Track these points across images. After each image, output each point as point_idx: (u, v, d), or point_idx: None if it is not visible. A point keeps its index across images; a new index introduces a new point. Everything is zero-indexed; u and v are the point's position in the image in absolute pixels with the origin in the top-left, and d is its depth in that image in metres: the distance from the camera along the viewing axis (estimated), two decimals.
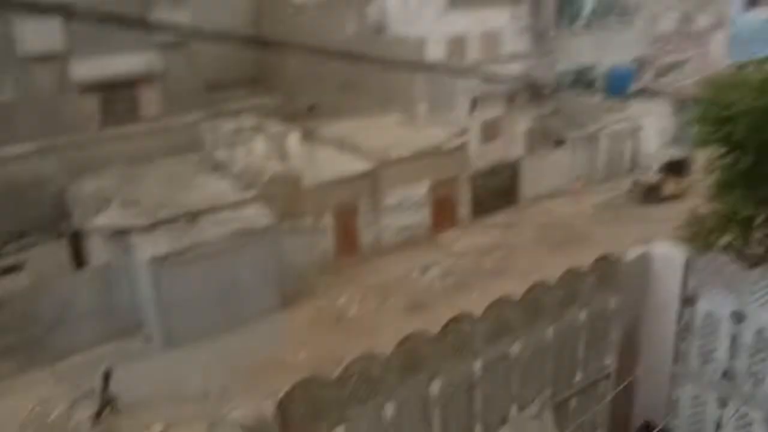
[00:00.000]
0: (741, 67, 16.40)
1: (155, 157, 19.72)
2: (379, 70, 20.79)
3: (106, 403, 13.51)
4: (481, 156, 23.29)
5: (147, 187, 18.02)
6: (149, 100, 21.13)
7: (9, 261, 16.72)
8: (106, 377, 13.50)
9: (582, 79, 27.64)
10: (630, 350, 9.48)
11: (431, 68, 23.51)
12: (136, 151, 19.65)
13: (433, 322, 6.73)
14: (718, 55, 33.29)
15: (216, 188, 18.10)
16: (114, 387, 13.57)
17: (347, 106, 23.42)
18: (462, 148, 22.38)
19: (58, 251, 17.70)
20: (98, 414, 13.37)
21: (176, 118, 20.78)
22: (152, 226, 15.79)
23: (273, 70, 26.36)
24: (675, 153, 24.67)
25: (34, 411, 13.63)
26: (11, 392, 14.18)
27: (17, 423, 13.28)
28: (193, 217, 16.41)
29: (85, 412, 13.49)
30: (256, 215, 17.24)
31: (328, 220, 19.57)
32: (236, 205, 17.22)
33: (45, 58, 18.29)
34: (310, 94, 24.94)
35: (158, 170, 19.19)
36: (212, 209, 16.88)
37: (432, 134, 22.19)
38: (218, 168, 19.09)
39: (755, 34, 33.36)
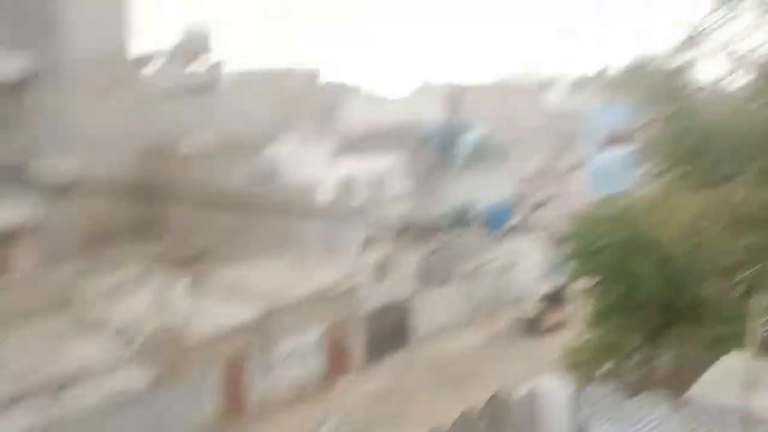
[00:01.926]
0: (602, 202, 18.11)
1: (25, 315, 18.25)
2: (271, 214, 21.01)
3: None
4: (373, 297, 23.55)
5: (10, 351, 16.47)
6: (24, 252, 19.98)
7: None
8: None
9: (463, 217, 29.32)
10: None
11: (321, 212, 24.12)
12: (4, 309, 18.14)
13: None
14: (582, 191, 36.67)
15: (90, 350, 16.84)
16: None
17: (239, 251, 23.20)
18: (353, 289, 22.56)
19: None
20: None
21: (53, 272, 19.61)
22: (12, 400, 14.26)
23: (163, 216, 25.89)
24: (553, 285, 26.16)
25: None
26: None
27: None
28: (62, 385, 15.05)
29: None
30: (133, 378, 16.08)
31: (214, 377, 18.51)
32: (111, 367, 16.04)
33: None
34: (201, 239, 24.56)
35: (26, 331, 17.70)
36: (84, 374, 15.58)
37: (323, 277, 22.27)
38: (95, 326, 17.91)
39: (611, 171, 37.25)
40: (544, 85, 45.28)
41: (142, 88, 28.22)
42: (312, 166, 25.03)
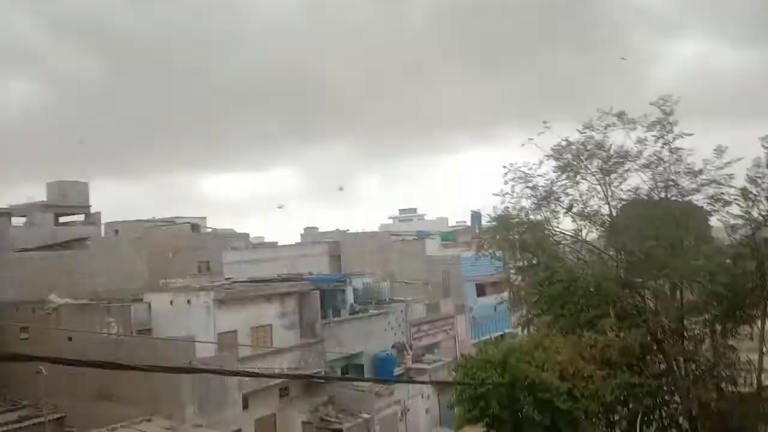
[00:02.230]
0: (483, 346, 18.81)
1: None
2: (143, 374, 19.64)
3: None
4: None
5: None
6: None
7: None
8: None
9: (351, 367, 29.03)
10: None
11: (199, 368, 22.90)
12: None
13: None
14: (464, 336, 37.92)
15: None
16: None
17: (104, 415, 21.17)
18: None
19: None
20: None
21: None
22: None
23: (19, 378, 23.46)
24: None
25: None
26: None
27: None
28: None
29: None
30: None
31: None
32: None
33: None
34: (61, 404, 22.30)
35: None
36: None
37: None
38: None
39: (487, 316, 39.13)
40: (423, 235, 47.92)
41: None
42: (192, 319, 24.14)
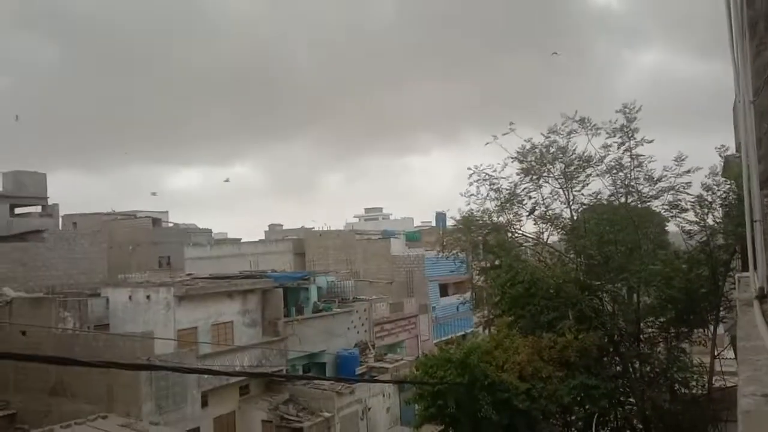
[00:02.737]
0: (445, 345, 18.94)
1: None
2: (100, 370, 19.23)
3: None
4: None
5: None
6: None
7: None
8: None
9: (313, 365, 28.91)
10: None
11: (158, 365, 22.52)
12: None
13: None
14: (426, 335, 38.14)
15: None
16: None
17: (59, 412, 20.64)
18: None
19: None
20: None
21: None
22: None
23: None
24: (403, 431, 26.07)
25: None
26: None
27: None
28: None
29: None
30: None
31: None
32: None
33: None
34: (13, 401, 21.65)
35: None
36: None
37: None
38: None
39: (450, 316, 39.47)
40: (388, 234, 47.97)
41: None
42: (152, 315, 23.74)
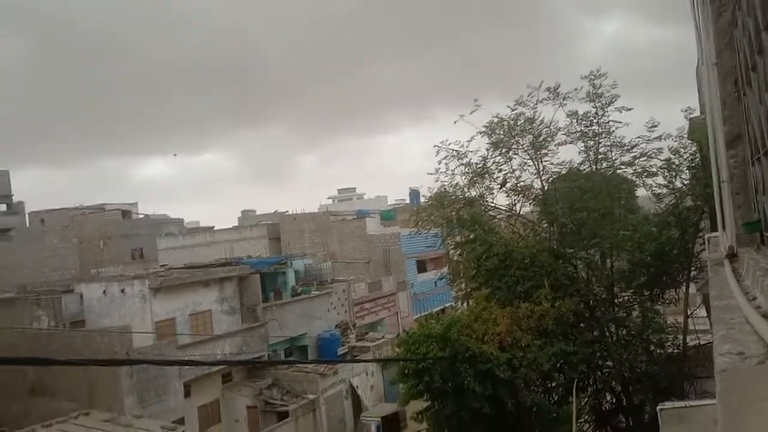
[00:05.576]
0: (425, 321, 19.06)
1: None
2: (79, 367, 18.97)
3: None
4: None
5: None
6: None
7: None
8: None
9: (294, 348, 28.93)
10: None
11: (137, 359, 22.31)
12: None
13: None
14: (406, 312, 38.40)
15: None
16: None
17: (39, 412, 20.36)
18: None
19: None
20: None
21: None
22: None
23: None
24: (388, 408, 26.33)
25: None
26: None
27: None
28: None
29: None
30: None
31: None
32: None
33: None
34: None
35: None
36: None
37: (143, 428, 20.18)
38: None
39: (428, 292, 39.78)
40: (362, 214, 47.91)
41: None
42: (128, 308, 23.44)
